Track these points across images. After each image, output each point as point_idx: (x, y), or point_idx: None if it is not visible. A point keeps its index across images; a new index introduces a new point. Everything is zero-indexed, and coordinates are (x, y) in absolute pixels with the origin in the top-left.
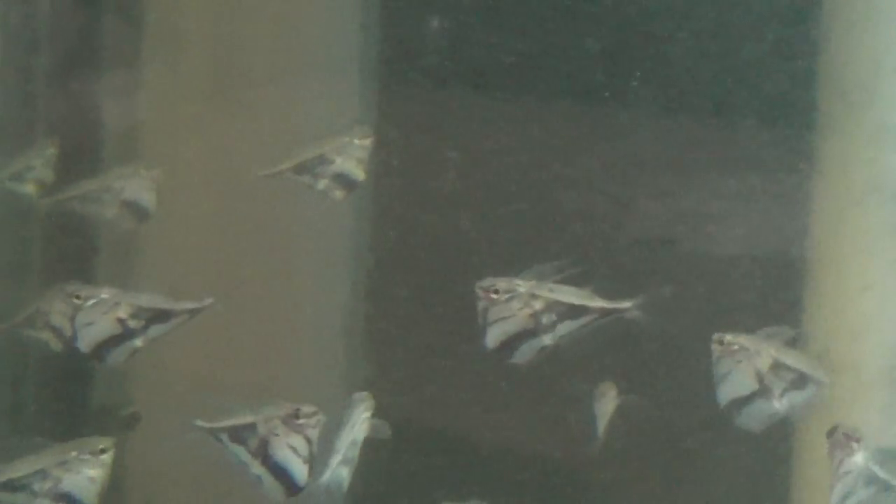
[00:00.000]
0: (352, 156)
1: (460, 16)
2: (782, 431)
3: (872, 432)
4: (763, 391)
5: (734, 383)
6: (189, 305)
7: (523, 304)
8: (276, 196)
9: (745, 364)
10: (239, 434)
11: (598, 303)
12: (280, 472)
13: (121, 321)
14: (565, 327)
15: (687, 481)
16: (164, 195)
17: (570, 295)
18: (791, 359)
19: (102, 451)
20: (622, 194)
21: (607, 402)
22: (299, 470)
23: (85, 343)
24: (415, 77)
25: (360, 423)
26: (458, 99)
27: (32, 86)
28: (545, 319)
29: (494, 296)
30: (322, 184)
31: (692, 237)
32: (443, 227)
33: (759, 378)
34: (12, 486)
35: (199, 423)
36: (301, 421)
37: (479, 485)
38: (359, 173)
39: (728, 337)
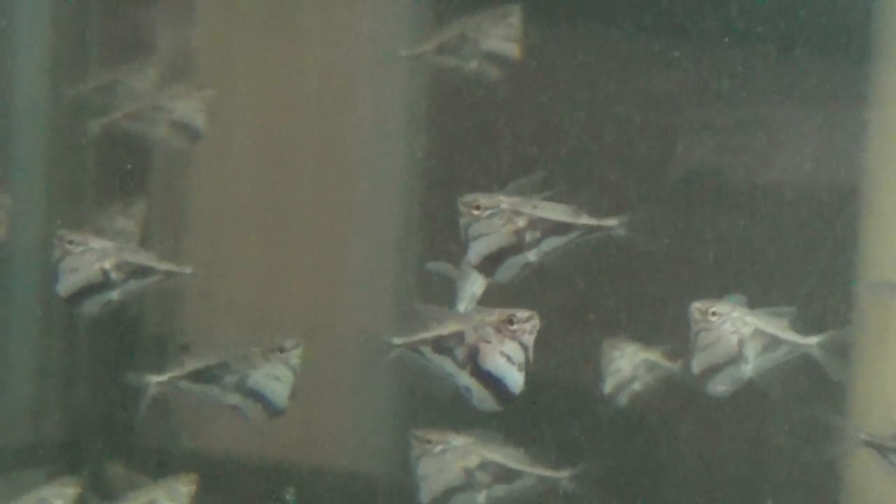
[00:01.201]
0: (497, 35)
1: None
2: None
3: None
4: (739, 358)
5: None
6: (168, 267)
7: (506, 220)
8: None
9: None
10: (444, 345)
11: (583, 219)
12: (492, 381)
13: (104, 272)
14: (549, 244)
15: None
16: (216, 117)
17: (553, 211)
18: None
19: (290, 348)
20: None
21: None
22: (513, 378)
23: (64, 288)
24: None
25: (477, 281)
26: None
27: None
28: (529, 236)
29: (476, 212)
30: (473, 64)
31: (754, 164)
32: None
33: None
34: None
35: (397, 340)
36: (515, 327)
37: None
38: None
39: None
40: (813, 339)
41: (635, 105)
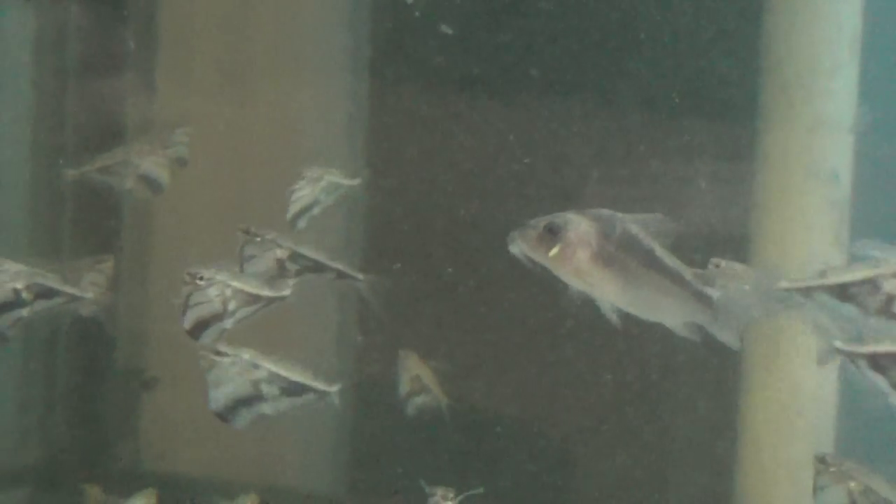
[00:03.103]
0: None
1: (447, 19)
2: None
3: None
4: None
5: None
6: (70, 290)
7: (219, 291)
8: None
9: None
10: (881, 362)
11: (263, 291)
12: None
13: (15, 291)
14: (242, 313)
15: None
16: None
17: (247, 283)
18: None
19: None
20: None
21: None
22: None
23: None
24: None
25: None
26: (435, 96)
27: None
28: (231, 306)
29: (199, 282)
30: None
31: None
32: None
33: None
34: None
35: (839, 345)
36: None
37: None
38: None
39: None
40: None
41: (542, 163)
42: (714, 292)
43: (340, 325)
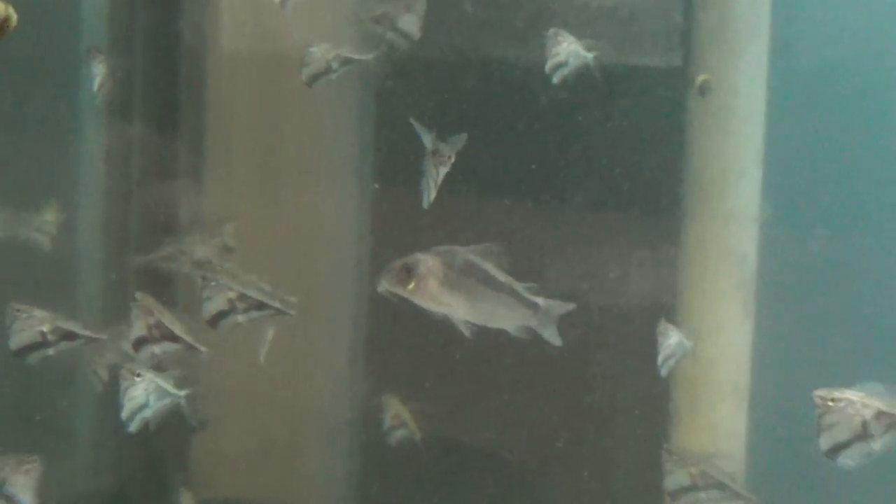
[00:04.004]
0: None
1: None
2: None
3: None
4: None
5: None
6: (88, 333)
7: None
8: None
9: None
10: None
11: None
12: None
13: (42, 333)
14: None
15: None
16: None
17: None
18: None
19: None
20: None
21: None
22: None
23: (14, 343)
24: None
25: None
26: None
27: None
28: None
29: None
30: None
31: (591, 293)
32: None
33: None
34: None
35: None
36: None
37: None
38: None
39: None
40: None
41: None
42: (539, 300)
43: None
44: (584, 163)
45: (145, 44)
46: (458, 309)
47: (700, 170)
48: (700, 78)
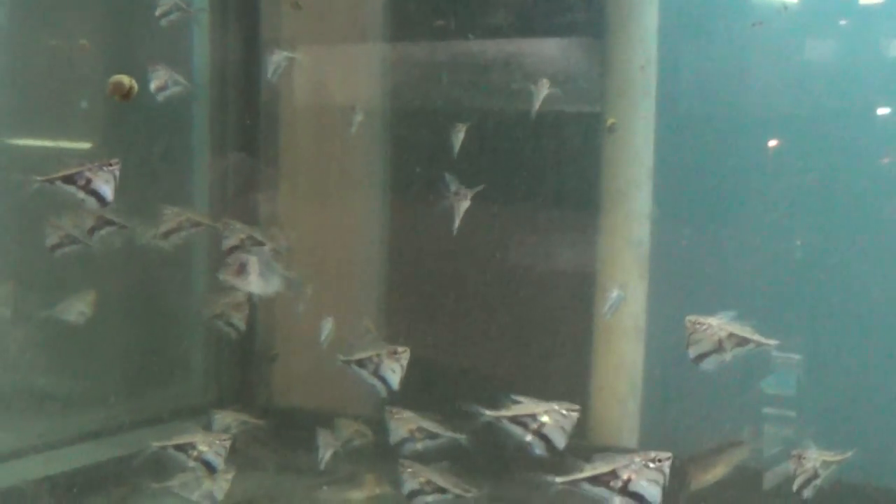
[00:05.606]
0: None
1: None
2: None
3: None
4: None
5: None
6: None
7: None
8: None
9: None
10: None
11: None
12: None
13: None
14: None
15: None
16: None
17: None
18: None
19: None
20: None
21: None
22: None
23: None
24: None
25: None
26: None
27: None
28: None
29: None
30: None
31: (537, 264)
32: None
33: None
34: None
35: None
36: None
37: None
38: None
39: None
40: None
41: (480, 248)
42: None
43: None
44: (534, 176)
45: (236, 94)
46: (261, 287)
47: (610, 181)
48: (610, 120)
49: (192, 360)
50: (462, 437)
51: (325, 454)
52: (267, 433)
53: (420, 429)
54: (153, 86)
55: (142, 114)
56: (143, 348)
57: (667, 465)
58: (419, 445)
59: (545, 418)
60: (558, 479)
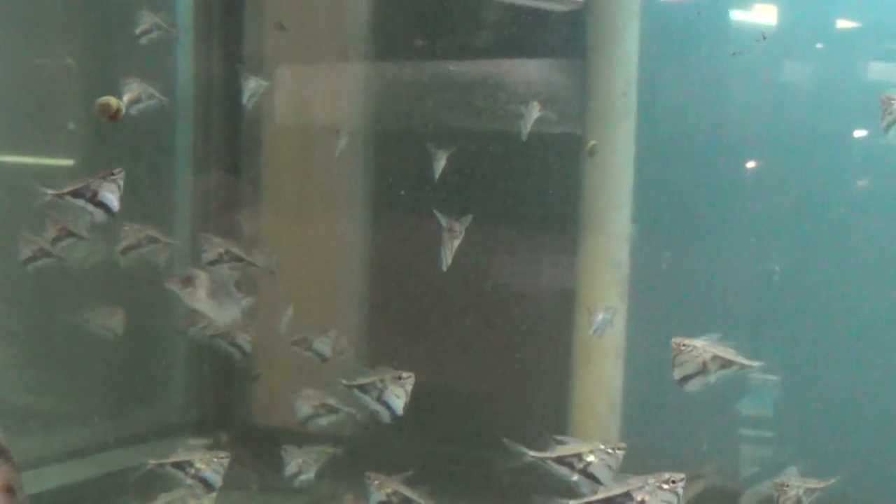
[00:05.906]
0: None
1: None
2: None
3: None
4: None
5: None
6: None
7: None
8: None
9: None
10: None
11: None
12: None
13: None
14: None
15: None
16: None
17: None
18: None
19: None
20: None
21: None
22: None
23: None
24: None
25: None
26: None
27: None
28: None
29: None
30: None
31: (519, 283)
32: None
33: None
34: None
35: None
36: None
37: None
38: None
39: None
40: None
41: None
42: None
43: None
44: (515, 197)
45: (219, 114)
46: (204, 305)
47: (591, 203)
48: (591, 143)
49: (172, 378)
50: (356, 413)
51: (292, 467)
52: (249, 453)
53: (323, 405)
54: (125, 98)
55: (126, 131)
56: (124, 366)
57: (680, 487)
58: (323, 421)
59: (591, 458)
60: (571, 503)
